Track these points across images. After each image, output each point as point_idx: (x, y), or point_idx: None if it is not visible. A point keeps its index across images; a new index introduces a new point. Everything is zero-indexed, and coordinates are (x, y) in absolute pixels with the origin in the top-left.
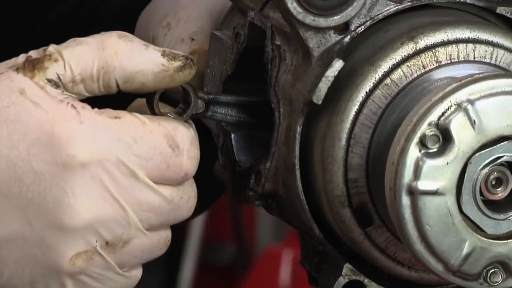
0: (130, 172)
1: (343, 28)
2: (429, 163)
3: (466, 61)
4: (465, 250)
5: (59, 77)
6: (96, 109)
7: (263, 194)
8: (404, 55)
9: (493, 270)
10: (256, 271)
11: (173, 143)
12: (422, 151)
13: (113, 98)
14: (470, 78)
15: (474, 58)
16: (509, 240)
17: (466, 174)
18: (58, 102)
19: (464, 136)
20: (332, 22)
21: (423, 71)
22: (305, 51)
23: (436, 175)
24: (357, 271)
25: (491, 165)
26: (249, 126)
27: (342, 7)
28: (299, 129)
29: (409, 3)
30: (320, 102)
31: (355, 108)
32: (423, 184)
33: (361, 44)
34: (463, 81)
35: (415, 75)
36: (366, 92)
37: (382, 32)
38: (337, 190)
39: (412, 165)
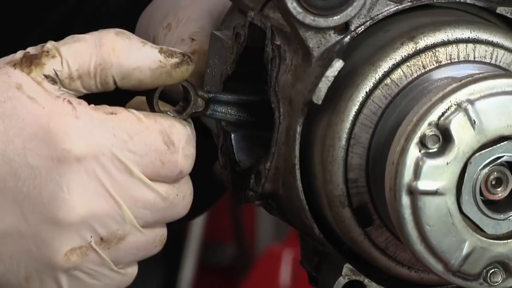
0: (125, 168)
1: (343, 28)
2: (429, 163)
3: (466, 61)
4: (465, 250)
5: (56, 73)
6: (92, 105)
7: (263, 194)
8: (404, 55)
9: (493, 270)
10: (256, 271)
11: (168, 140)
12: (422, 151)
13: (111, 96)
14: (470, 78)
15: (474, 58)
16: (509, 240)
17: (466, 174)
18: (55, 97)
19: (464, 136)
20: (332, 22)
21: (423, 71)
22: (305, 51)
23: (436, 175)
24: (357, 271)
25: (491, 165)
26: (249, 126)
27: (342, 7)
28: (299, 129)
29: (409, 3)
30: (320, 102)
31: (355, 108)
32: (423, 184)
33: (361, 44)
34: (463, 81)
35: (415, 75)
36: (366, 92)
37: (382, 32)
38: (337, 190)
39: (412, 165)
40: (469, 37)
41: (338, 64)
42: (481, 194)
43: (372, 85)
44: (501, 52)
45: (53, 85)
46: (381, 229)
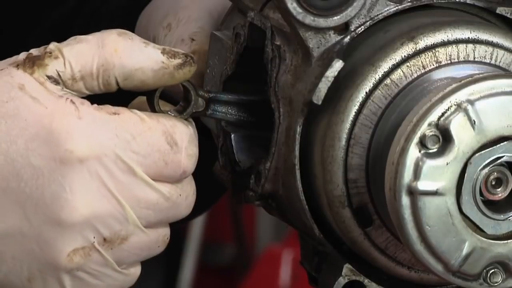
0: (128, 168)
1: (343, 28)
2: (429, 163)
3: (466, 62)
4: (465, 250)
5: (59, 74)
6: (95, 105)
7: (263, 194)
8: (404, 55)
9: (493, 270)
10: (256, 271)
11: (171, 140)
12: (422, 151)
13: (113, 97)
14: (470, 79)
15: (474, 58)
16: (509, 240)
17: (466, 174)
18: (57, 97)
19: (464, 136)
20: (332, 22)
21: (423, 71)
22: (305, 51)
23: (436, 175)
24: (357, 271)
25: (491, 166)
26: (249, 125)
27: (342, 7)
28: (299, 129)
29: (409, 3)
30: (320, 102)
31: (355, 108)
32: (423, 184)
33: (361, 44)
34: (463, 82)
35: (415, 75)
36: (366, 92)
37: (382, 32)
38: (337, 190)
39: (412, 165)
40: (469, 38)
41: (338, 64)
42: (481, 194)
43: (372, 85)
44: (501, 52)
45: (56, 86)
46: (381, 229)
